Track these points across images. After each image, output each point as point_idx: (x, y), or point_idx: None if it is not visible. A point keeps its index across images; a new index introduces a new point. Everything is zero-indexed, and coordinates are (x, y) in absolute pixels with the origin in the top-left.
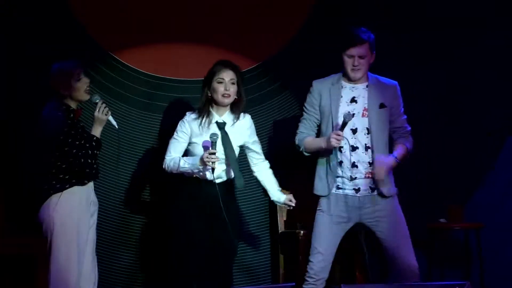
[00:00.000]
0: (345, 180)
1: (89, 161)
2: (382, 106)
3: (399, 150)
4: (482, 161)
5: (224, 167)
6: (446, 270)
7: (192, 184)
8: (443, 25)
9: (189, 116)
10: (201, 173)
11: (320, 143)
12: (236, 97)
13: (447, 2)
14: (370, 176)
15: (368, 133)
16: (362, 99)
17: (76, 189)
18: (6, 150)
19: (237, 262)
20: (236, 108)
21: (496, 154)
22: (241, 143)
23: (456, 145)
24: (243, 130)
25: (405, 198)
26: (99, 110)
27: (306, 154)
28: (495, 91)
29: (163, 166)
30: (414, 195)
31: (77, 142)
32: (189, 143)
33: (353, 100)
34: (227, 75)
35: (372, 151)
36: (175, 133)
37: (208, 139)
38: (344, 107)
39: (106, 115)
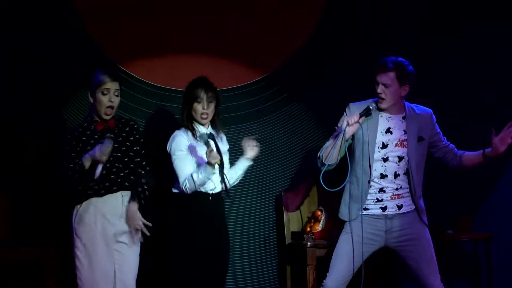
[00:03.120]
0: (371, 201)
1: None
2: (420, 139)
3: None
4: (491, 171)
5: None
6: (455, 282)
7: (192, 200)
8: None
9: (181, 133)
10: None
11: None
12: (214, 111)
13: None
14: (396, 197)
15: (399, 161)
16: (398, 131)
17: (93, 200)
18: (7, 153)
19: (244, 273)
20: (214, 123)
21: (506, 163)
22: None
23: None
24: (224, 140)
25: None
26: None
27: (324, 164)
28: (504, 97)
29: (185, 191)
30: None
31: (81, 155)
32: None
33: (388, 130)
34: (204, 94)
35: (411, 177)
36: (176, 152)
37: (204, 151)
38: (379, 137)
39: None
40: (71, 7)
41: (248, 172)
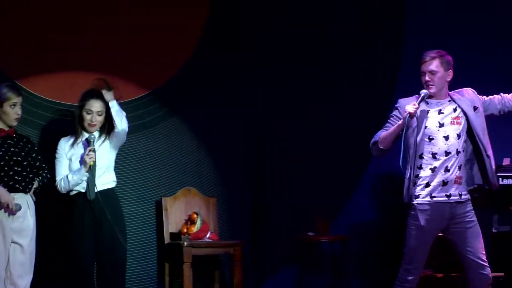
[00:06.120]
0: (437, 186)
1: None
2: (475, 108)
3: None
4: (347, 180)
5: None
6: (314, 278)
7: (76, 202)
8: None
9: (63, 139)
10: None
11: (397, 123)
12: (104, 122)
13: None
14: (458, 181)
15: (458, 139)
16: (448, 110)
17: None
18: None
19: (127, 269)
20: (103, 129)
21: (364, 169)
22: (111, 150)
23: (328, 158)
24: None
25: (278, 211)
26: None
27: (380, 148)
28: None
29: (58, 188)
30: (288, 207)
31: None
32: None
33: (440, 112)
34: (95, 107)
35: (484, 154)
36: (56, 155)
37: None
38: (434, 117)
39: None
40: None
41: (131, 178)
